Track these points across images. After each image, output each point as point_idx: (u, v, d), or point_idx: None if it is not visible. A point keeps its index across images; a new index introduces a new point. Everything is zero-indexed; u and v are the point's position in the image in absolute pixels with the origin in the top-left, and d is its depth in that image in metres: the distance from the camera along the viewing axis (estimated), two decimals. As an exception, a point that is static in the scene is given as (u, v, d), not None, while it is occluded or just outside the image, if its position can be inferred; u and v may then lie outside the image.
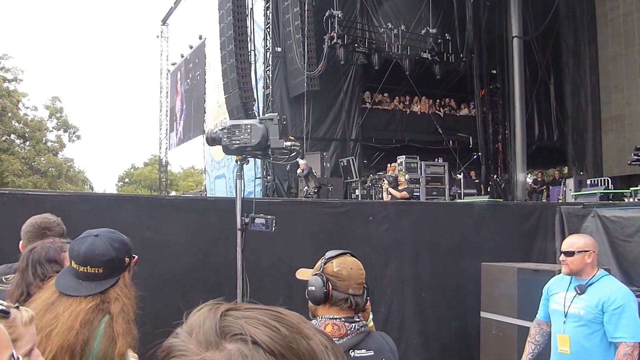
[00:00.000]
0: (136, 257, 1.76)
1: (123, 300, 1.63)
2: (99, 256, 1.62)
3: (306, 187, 11.60)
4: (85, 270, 1.61)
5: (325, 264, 1.77)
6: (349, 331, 1.67)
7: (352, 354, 1.63)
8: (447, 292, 4.91)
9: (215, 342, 0.56)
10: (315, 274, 1.75)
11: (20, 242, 2.35)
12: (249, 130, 2.46)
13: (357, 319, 1.71)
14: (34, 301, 1.61)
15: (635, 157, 9.70)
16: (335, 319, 1.69)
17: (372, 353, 1.66)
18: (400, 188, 9.74)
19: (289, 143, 2.47)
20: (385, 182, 10.12)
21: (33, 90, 43.28)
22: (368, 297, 1.78)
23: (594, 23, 15.23)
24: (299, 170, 11.76)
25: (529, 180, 16.06)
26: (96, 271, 1.61)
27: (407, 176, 10.67)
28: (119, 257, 1.66)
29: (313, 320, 1.71)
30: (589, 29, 15.29)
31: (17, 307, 0.98)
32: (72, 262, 1.64)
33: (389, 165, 13.19)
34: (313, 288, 1.73)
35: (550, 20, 14.46)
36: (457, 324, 4.90)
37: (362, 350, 1.65)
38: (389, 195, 9.70)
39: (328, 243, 4.55)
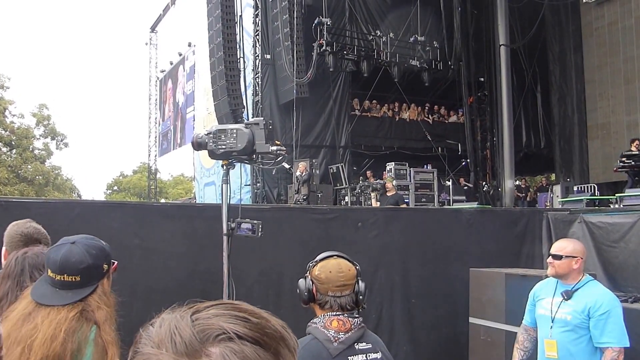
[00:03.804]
0: (115, 262, 1.72)
1: (105, 309, 1.60)
2: (76, 264, 1.58)
3: (297, 195, 11.57)
4: (62, 279, 1.57)
5: (313, 266, 1.88)
6: (352, 326, 1.77)
7: (357, 347, 1.77)
8: (436, 298, 4.91)
9: (200, 349, 0.54)
10: (304, 276, 1.88)
11: (3, 249, 2.30)
12: (234, 135, 2.46)
13: (357, 315, 1.82)
14: (12, 311, 1.57)
15: (621, 163, 9.83)
16: (339, 315, 1.78)
17: (371, 345, 1.81)
18: (388, 194, 9.76)
19: (274, 147, 2.47)
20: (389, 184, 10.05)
21: (20, 98, 42.96)
22: (361, 297, 1.84)
23: (579, 32, 15.47)
24: (297, 173, 11.71)
25: (513, 186, 16.25)
26: (73, 279, 1.57)
27: (394, 182, 10.69)
28: (96, 264, 1.62)
29: (316, 319, 1.80)
30: (574, 37, 15.53)
31: None
32: (49, 270, 1.60)
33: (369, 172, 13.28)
34: (298, 290, 1.87)
35: (536, 29, 14.67)
36: (447, 330, 4.90)
37: (364, 343, 1.79)
38: (378, 202, 9.71)
39: (317, 250, 4.50)
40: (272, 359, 0.57)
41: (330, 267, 1.83)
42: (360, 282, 1.84)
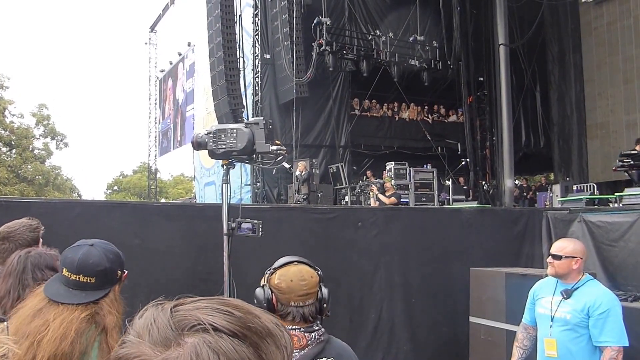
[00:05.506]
0: (126, 272, 1.74)
1: (116, 315, 1.62)
2: (93, 265, 1.60)
3: (297, 194, 11.57)
4: (78, 279, 1.59)
5: (271, 274, 1.73)
6: (309, 341, 1.64)
7: None
8: (436, 297, 4.91)
9: (174, 338, 0.55)
10: (262, 285, 1.72)
11: None
12: (235, 135, 2.46)
13: (317, 327, 1.68)
14: (22, 307, 1.59)
15: (620, 163, 9.82)
16: (295, 329, 1.64)
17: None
18: (387, 194, 9.77)
19: (274, 147, 2.48)
20: (374, 187, 10.15)
21: (20, 98, 42.89)
22: (325, 305, 1.70)
23: (578, 32, 15.49)
24: (297, 172, 11.70)
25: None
26: (88, 280, 1.60)
27: (393, 181, 10.68)
28: (112, 269, 1.64)
29: None
30: (573, 37, 15.55)
31: None
32: (64, 269, 1.62)
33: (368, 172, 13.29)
34: (256, 300, 1.70)
35: (535, 28, 14.68)
36: (447, 330, 4.91)
37: (324, 359, 1.64)
38: (377, 202, 9.72)
39: (317, 249, 4.54)
40: (251, 353, 0.56)
41: (292, 275, 1.69)
42: (323, 288, 1.71)
